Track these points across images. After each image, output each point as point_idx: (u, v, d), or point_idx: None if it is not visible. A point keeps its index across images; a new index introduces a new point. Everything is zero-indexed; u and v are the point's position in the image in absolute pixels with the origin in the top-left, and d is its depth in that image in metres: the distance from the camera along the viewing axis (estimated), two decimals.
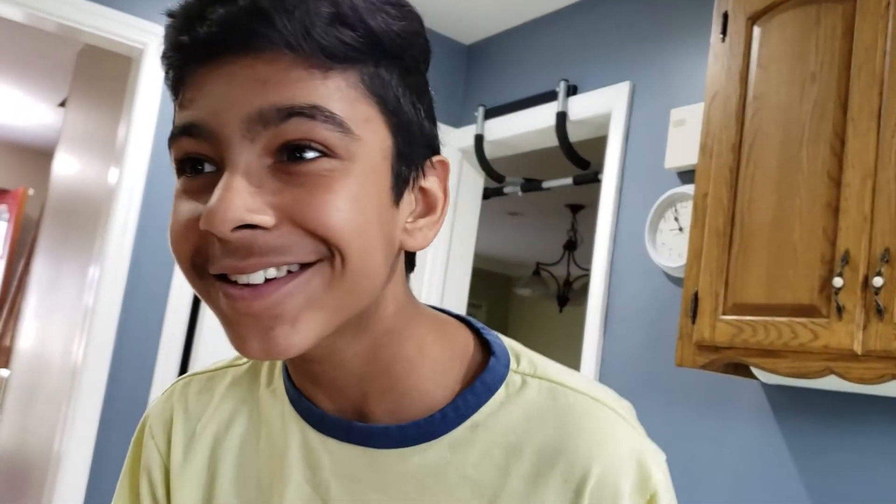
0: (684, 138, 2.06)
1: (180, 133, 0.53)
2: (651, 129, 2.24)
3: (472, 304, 3.19)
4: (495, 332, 0.66)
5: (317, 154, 0.51)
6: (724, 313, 1.57)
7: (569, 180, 2.68)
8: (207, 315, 2.44)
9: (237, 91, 0.50)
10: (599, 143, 2.43)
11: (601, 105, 2.39)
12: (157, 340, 2.46)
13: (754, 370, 1.67)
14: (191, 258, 0.53)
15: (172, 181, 0.55)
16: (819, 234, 1.45)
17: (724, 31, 1.70)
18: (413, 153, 0.57)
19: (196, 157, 0.53)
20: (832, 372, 1.41)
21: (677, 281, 2.05)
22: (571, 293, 4.74)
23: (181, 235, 0.53)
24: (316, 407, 0.62)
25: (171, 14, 0.53)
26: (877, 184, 1.39)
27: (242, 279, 0.51)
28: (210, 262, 0.52)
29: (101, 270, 2.40)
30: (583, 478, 0.57)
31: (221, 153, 0.51)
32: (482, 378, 0.61)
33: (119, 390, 2.40)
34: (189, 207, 0.53)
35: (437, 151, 0.60)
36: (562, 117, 2.48)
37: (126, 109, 2.55)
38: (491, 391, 0.60)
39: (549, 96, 2.53)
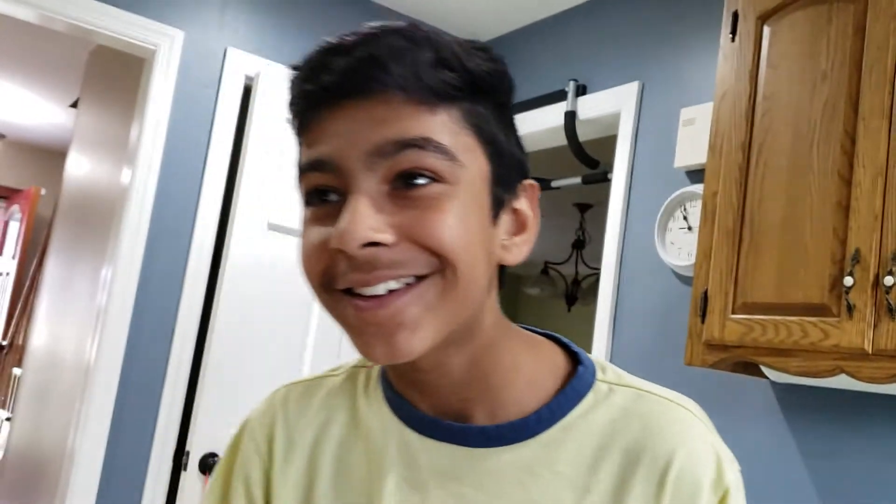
0: (694, 138, 2.06)
1: (308, 168, 0.61)
2: (660, 128, 2.24)
3: None
4: (581, 349, 0.73)
5: (427, 180, 0.59)
6: (733, 312, 1.57)
7: (578, 179, 2.68)
8: (219, 316, 2.46)
9: (358, 129, 0.59)
10: (608, 142, 2.43)
11: (610, 104, 2.39)
12: (169, 340, 2.47)
13: (764, 369, 1.67)
14: (320, 276, 0.61)
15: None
16: (829, 233, 1.45)
17: (733, 31, 1.70)
18: (507, 177, 0.65)
19: (322, 189, 0.61)
20: (842, 371, 1.41)
21: (686, 280, 2.05)
22: (580, 292, 4.74)
23: (312, 256, 0.61)
24: (416, 409, 0.69)
25: (295, 67, 0.62)
26: (888, 183, 1.38)
27: (367, 291, 0.59)
28: (337, 279, 0.60)
29: (114, 270, 2.41)
30: (665, 469, 0.63)
31: (346, 183, 0.59)
32: (572, 385, 0.67)
33: (131, 389, 2.41)
34: (318, 232, 0.61)
35: (526, 175, 0.68)
36: (571, 117, 2.48)
37: (138, 110, 2.56)
38: (580, 396, 0.67)
39: (559, 96, 2.54)
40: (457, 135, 0.60)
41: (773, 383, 1.82)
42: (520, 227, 0.67)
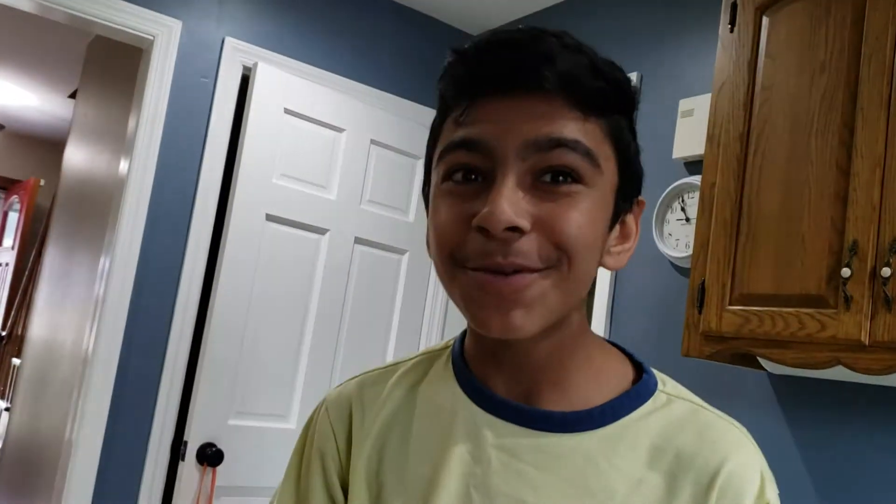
0: (692, 129, 2.06)
1: (459, 146, 0.65)
2: (659, 119, 2.24)
3: None
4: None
5: (570, 179, 0.63)
6: (730, 303, 1.57)
7: None
8: (217, 306, 2.46)
9: (518, 120, 0.63)
10: None
11: None
12: (166, 330, 2.47)
13: (761, 360, 1.67)
14: (451, 250, 0.65)
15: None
16: (827, 224, 1.44)
17: (732, 22, 1.69)
18: (629, 191, 0.70)
19: (467, 168, 0.65)
20: (839, 362, 1.41)
21: (684, 271, 2.05)
22: None
23: (448, 229, 0.65)
24: (486, 389, 0.72)
25: (459, 51, 0.66)
26: (886, 174, 1.38)
27: (496, 269, 0.63)
28: (468, 257, 0.64)
29: (112, 260, 2.41)
30: (714, 475, 0.66)
31: (494, 167, 0.63)
32: (637, 388, 0.72)
33: (129, 379, 2.42)
34: (457, 208, 0.65)
35: (640, 192, 0.73)
36: None
37: (136, 100, 2.55)
38: (642, 400, 0.71)
39: None
40: (600, 143, 0.65)
41: (770, 375, 1.82)
42: (624, 237, 0.72)
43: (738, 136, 1.63)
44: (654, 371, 0.75)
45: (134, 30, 2.46)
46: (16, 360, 4.66)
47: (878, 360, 1.37)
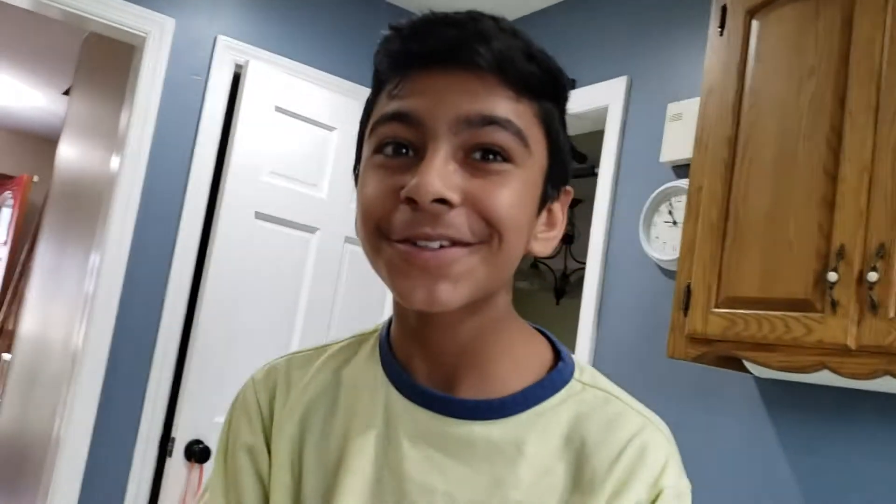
0: (680, 132, 2.06)
1: (391, 118, 0.65)
2: (647, 123, 2.24)
3: None
4: (566, 348, 0.78)
5: (500, 158, 0.64)
6: (716, 306, 1.57)
7: None
8: (206, 304, 2.45)
9: (451, 96, 0.64)
10: (596, 137, 2.43)
11: (598, 99, 2.39)
12: (155, 327, 2.47)
13: (746, 364, 1.67)
14: (377, 222, 0.65)
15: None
16: (814, 228, 1.45)
17: (722, 25, 1.70)
18: (557, 177, 0.71)
19: (399, 141, 0.65)
20: (825, 367, 1.41)
21: (670, 274, 2.05)
22: (568, 286, 4.74)
23: (376, 201, 0.65)
24: (406, 374, 0.73)
25: (395, 27, 0.67)
26: (873, 179, 1.38)
27: (422, 244, 0.63)
28: (394, 229, 0.64)
29: (102, 257, 2.41)
30: (613, 461, 0.67)
31: (425, 141, 0.64)
32: (551, 377, 0.72)
33: (118, 376, 2.41)
34: (386, 181, 0.65)
35: (567, 181, 0.74)
36: None
37: (128, 97, 2.55)
38: (556, 389, 0.71)
39: None
40: (531, 125, 0.66)
41: (756, 378, 1.82)
42: (550, 224, 0.73)
43: (726, 139, 1.63)
44: (575, 359, 0.76)
45: (127, 27, 2.45)
46: (6, 356, 4.65)
47: (863, 365, 1.37)
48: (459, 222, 0.63)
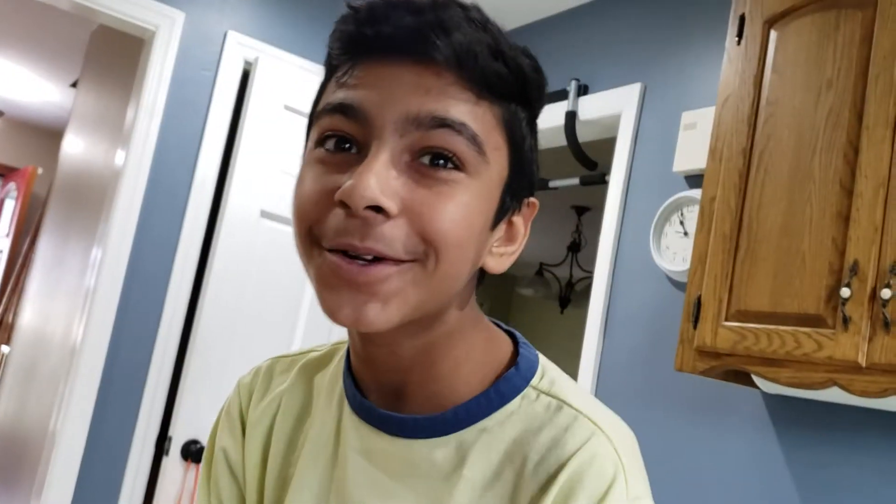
0: (694, 142, 2.04)
1: (335, 109, 0.59)
2: (661, 131, 2.22)
3: None
4: (534, 350, 0.70)
5: (451, 165, 0.58)
6: (726, 319, 1.55)
7: (575, 180, 2.66)
8: (207, 302, 2.43)
9: (402, 91, 0.57)
10: (608, 144, 2.41)
11: (611, 106, 2.37)
12: (156, 323, 2.45)
13: (755, 379, 1.65)
14: (310, 225, 0.59)
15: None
16: (828, 243, 1.43)
17: (739, 34, 1.68)
18: (519, 188, 0.64)
19: (342, 136, 0.59)
20: (835, 384, 1.39)
21: (680, 285, 2.03)
22: (573, 295, 4.73)
23: (310, 201, 0.59)
24: (358, 391, 0.69)
25: (352, 7, 0.60)
26: (889, 194, 1.36)
27: (352, 254, 0.57)
28: (325, 235, 0.58)
29: (104, 251, 2.39)
30: (551, 480, 0.60)
31: (369, 138, 0.57)
32: (496, 386, 0.66)
33: (117, 371, 2.39)
34: (323, 179, 0.58)
35: (533, 192, 0.68)
36: (571, 116, 2.46)
37: (135, 91, 2.54)
38: (504, 400, 0.65)
39: (560, 95, 2.51)
40: (491, 131, 0.60)
41: (764, 394, 1.80)
42: (510, 239, 0.67)
43: (741, 150, 1.61)
44: (542, 362, 0.69)
45: (137, 20, 2.44)
46: (5, 348, 4.63)
47: (874, 383, 1.35)
48: (392, 235, 0.56)
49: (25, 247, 5.63)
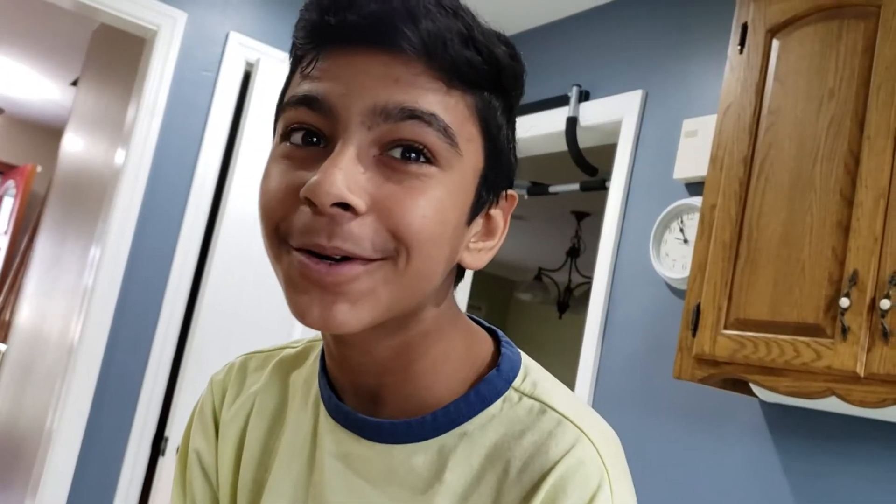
0: (695, 149, 2.04)
1: (300, 102, 0.56)
2: (662, 138, 2.22)
3: (472, 306, 3.17)
4: (517, 350, 0.68)
5: (422, 159, 0.55)
6: (725, 327, 1.55)
7: (576, 186, 2.66)
8: (205, 302, 2.43)
9: (369, 81, 0.55)
10: (609, 150, 2.41)
11: (613, 112, 2.37)
12: (154, 323, 2.44)
13: (753, 387, 1.65)
14: (276, 223, 0.57)
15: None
16: (828, 252, 1.43)
17: (742, 43, 1.68)
18: (496, 181, 0.62)
19: (307, 129, 0.57)
20: (833, 393, 1.39)
21: (679, 293, 2.03)
22: (572, 300, 4.73)
23: (276, 199, 0.56)
24: (333, 393, 0.67)
25: None
26: (890, 205, 1.37)
27: (320, 252, 0.55)
28: (292, 234, 0.56)
29: (102, 251, 2.39)
30: (535, 488, 0.58)
31: (336, 132, 0.55)
32: (477, 389, 0.63)
33: (113, 371, 2.39)
34: (289, 175, 0.56)
35: (512, 184, 0.65)
36: (572, 122, 2.46)
37: (136, 91, 2.53)
38: (485, 403, 0.63)
39: (561, 101, 2.52)
40: (464, 121, 0.57)
41: (762, 402, 1.80)
42: (488, 233, 0.64)
43: (741, 158, 1.61)
44: (524, 362, 0.66)
45: (139, 19, 2.44)
46: (2, 346, 4.62)
47: (872, 393, 1.35)
48: (360, 234, 0.54)
49: (23, 245, 5.62)
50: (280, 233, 0.57)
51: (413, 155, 0.55)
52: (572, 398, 0.65)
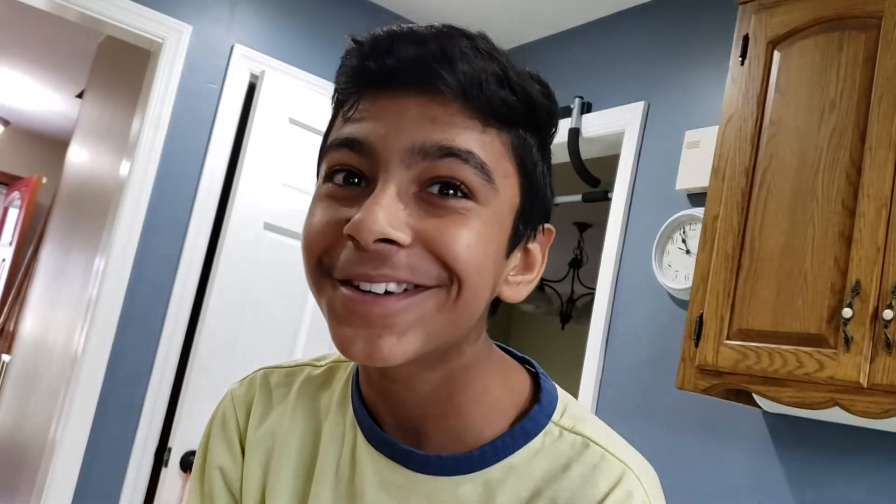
0: (697, 160, 2.05)
1: (342, 144, 0.59)
2: (664, 149, 2.23)
3: None
4: (552, 382, 0.70)
5: (459, 194, 0.57)
6: (728, 338, 1.55)
7: (578, 197, 2.67)
8: (209, 313, 2.44)
9: (407, 122, 0.57)
10: (611, 161, 2.42)
11: (615, 123, 2.38)
12: (157, 335, 2.45)
13: (756, 398, 1.65)
14: (319, 256, 0.58)
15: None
16: (830, 263, 1.43)
17: (743, 55, 1.69)
18: (532, 215, 0.63)
19: (349, 170, 0.59)
20: (836, 404, 1.39)
21: (682, 303, 2.03)
22: (574, 311, 4.72)
23: (319, 233, 0.58)
24: (374, 421, 0.68)
25: (357, 41, 0.60)
26: (892, 215, 1.37)
27: (365, 286, 0.56)
28: (336, 267, 0.57)
29: (107, 262, 2.39)
30: None
31: (376, 171, 0.57)
32: (522, 424, 0.65)
33: (117, 382, 2.39)
34: (332, 212, 0.58)
35: (548, 219, 0.67)
36: (574, 134, 2.47)
37: (141, 103, 2.55)
38: (528, 437, 0.64)
39: (563, 112, 2.53)
40: (500, 158, 0.59)
41: (765, 412, 1.80)
42: (527, 267, 0.66)
43: (743, 169, 1.62)
44: (560, 395, 0.68)
45: (144, 32, 2.45)
46: (5, 357, 4.63)
47: (876, 404, 1.35)
48: (410, 262, 0.56)
49: (28, 256, 5.64)
50: (323, 266, 0.58)
51: (451, 191, 0.57)
52: (610, 432, 0.67)
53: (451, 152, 0.56)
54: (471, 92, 0.57)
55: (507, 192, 0.60)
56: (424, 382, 0.63)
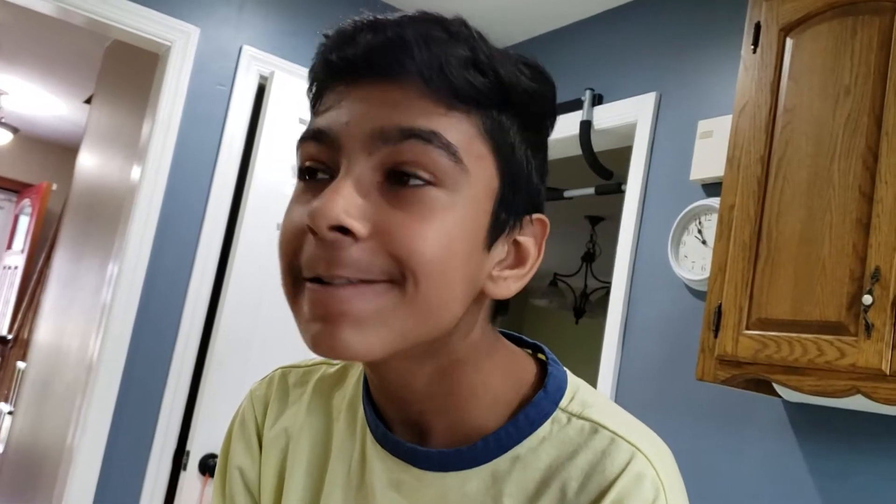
0: (711, 150, 2.03)
1: (309, 137, 0.58)
2: (677, 140, 2.21)
3: None
4: (562, 368, 0.67)
5: (424, 183, 0.55)
6: (747, 328, 1.54)
7: (591, 190, 2.66)
8: (224, 316, 2.44)
9: (368, 109, 0.55)
10: (623, 153, 2.41)
11: (627, 115, 2.37)
12: (173, 339, 2.45)
13: (777, 387, 1.64)
14: (291, 260, 0.57)
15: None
16: (849, 249, 1.42)
17: (755, 42, 1.68)
18: (516, 203, 0.60)
19: (317, 163, 0.57)
20: (858, 391, 1.38)
21: (699, 294, 2.02)
22: (588, 305, 4.72)
23: (290, 234, 0.57)
24: (380, 420, 0.67)
25: (326, 35, 0.60)
26: None
27: (326, 279, 0.55)
28: (302, 267, 0.56)
29: (120, 267, 2.40)
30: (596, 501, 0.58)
31: (338, 161, 0.56)
32: (526, 412, 0.63)
33: (133, 387, 2.39)
34: (300, 210, 0.56)
35: (539, 209, 0.63)
36: (586, 126, 2.46)
37: (150, 107, 2.55)
38: (534, 426, 0.62)
39: (574, 105, 2.52)
40: (470, 140, 0.56)
41: (786, 402, 1.79)
42: (517, 261, 0.62)
43: (758, 158, 1.61)
44: (570, 380, 0.66)
45: (152, 35, 2.45)
46: (21, 364, 4.65)
47: None
48: (360, 258, 0.54)
49: (40, 263, 5.66)
50: (294, 270, 0.57)
51: (417, 179, 0.55)
52: (622, 414, 0.65)
53: (412, 133, 0.54)
54: (431, 75, 0.55)
55: (481, 174, 0.57)
56: (417, 378, 0.62)
